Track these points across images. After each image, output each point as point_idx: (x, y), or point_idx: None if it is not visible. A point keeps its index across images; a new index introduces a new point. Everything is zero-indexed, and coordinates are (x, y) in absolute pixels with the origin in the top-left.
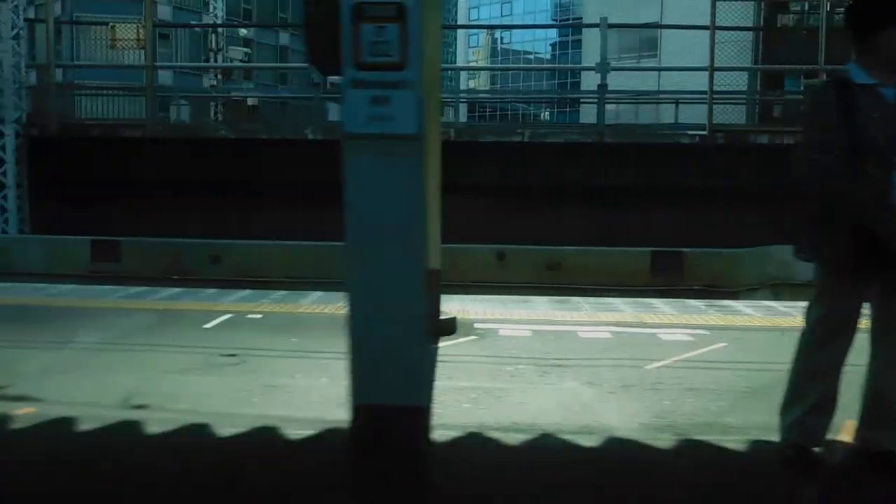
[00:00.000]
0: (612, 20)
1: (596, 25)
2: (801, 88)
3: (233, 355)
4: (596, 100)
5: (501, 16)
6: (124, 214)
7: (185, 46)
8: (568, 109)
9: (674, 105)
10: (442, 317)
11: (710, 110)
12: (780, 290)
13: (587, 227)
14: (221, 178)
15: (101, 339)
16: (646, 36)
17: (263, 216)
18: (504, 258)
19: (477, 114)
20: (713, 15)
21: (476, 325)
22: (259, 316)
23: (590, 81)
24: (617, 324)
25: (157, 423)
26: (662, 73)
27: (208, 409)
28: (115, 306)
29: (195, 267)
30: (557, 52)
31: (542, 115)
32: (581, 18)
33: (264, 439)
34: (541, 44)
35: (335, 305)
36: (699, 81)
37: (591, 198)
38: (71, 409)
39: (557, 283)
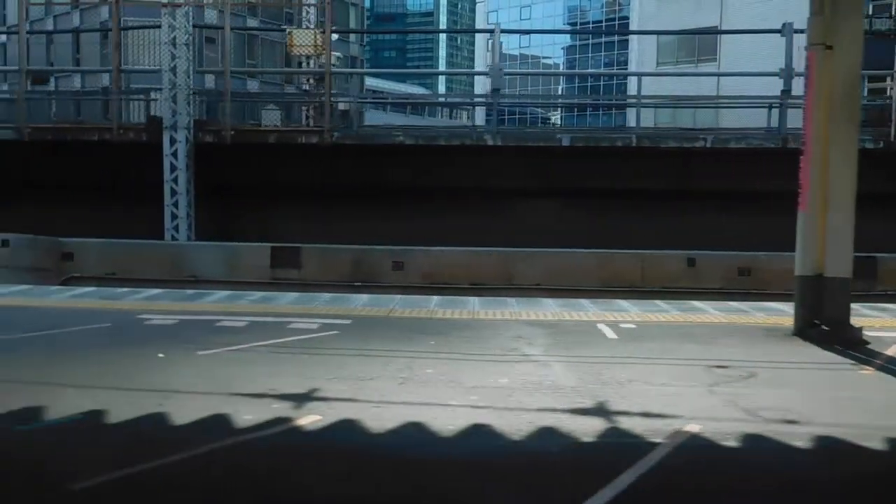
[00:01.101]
0: (666, 24)
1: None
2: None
3: (724, 367)
4: (776, 104)
5: (520, 19)
6: (287, 220)
7: (232, 49)
8: (604, 113)
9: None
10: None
11: (894, 115)
12: None
13: (773, 232)
14: (396, 184)
15: (545, 352)
16: (703, 40)
17: (437, 221)
18: (695, 264)
19: (495, 117)
20: None
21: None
22: (632, 326)
23: (633, 86)
24: None
25: None
26: (720, 78)
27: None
28: (456, 318)
29: (377, 273)
30: (577, 56)
31: (552, 118)
32: (603, 23)
33: None
34: (552, 48)
35: (674, 314)
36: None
37: (772, 202)
38: (747, 425)
39: (746, 289)
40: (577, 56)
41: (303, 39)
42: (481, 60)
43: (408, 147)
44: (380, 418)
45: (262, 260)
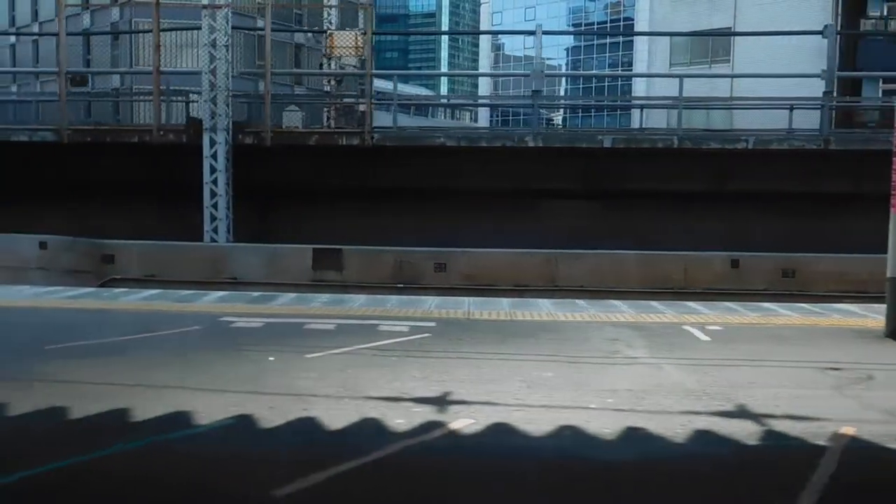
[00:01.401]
0: (680, 25)
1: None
2: (880, 94)
3: (836, 369)
4: (810, 106)
5: (524, 20)
6: (323, 221)
7: (241, 52)
8: (608, 114)
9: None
10: None
11: None
12: None
13: (814, 234)
14: (434, 185)
15: (648, 354)
16: (717, 41)
17: (476, 222)
18: (738, 265)
19: (500, 118)
20: None
21: None
22: (718, 328)
23: (638, 88)
24: None
25: None
26: (731, 79)
27: None
28: (537, 320)
29: (419, 274)
30: (581, 57)
31: (554, 118)
32: (607, 24)
33: None
34: (555, 49)
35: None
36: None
37: (814, 204)
38: None
39: (790, 290)
40: (582, 57)
41: (343, 41)
42: (485, 61)
43: (448, 148)
44: (530, 422)
45: (303, 261)
